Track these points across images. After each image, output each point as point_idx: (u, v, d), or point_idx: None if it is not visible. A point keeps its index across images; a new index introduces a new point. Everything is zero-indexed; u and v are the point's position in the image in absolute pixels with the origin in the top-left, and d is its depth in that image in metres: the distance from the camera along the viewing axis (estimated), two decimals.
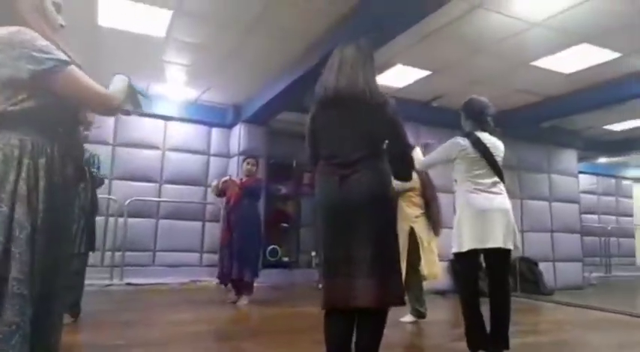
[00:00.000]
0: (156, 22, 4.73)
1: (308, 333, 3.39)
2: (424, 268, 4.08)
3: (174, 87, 6.73)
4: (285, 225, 8.22)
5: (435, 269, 4.12)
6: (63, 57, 1.48)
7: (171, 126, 7.49)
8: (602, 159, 10.51)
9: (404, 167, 2.34)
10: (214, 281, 5.12)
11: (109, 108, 1.65)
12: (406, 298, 4.19)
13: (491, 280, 2.98)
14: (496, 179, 2.96)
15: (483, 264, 3.08)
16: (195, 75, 6.25)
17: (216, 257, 5.80)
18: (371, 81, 2.16)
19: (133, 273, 6.50)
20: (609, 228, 10.82)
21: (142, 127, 7.17)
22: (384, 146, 2.21)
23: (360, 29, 4.22)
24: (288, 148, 7.82)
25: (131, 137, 7.14)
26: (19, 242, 1.40)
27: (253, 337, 3.63)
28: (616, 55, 5.18)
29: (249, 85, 6.55)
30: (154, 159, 7.32)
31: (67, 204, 1.59)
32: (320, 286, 2.12)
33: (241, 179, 5.21)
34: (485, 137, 3.00)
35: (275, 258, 7.64)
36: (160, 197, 7.26)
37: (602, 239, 10.48)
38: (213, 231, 7.13)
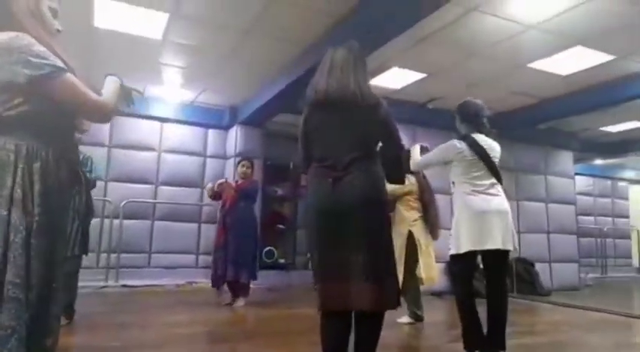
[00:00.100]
0: (152, 25, 4.72)
1: (304, 335, 3.38)
2: (422, 272, 4.08)
3: (171, 89, 6.73)
4: (281, 226, 8.20)
5: (432, 273, 4.12)
6: (60, 63, 1.49)
7: (168, 128, 7.47)
8: (599, 161, 10.55)
9: (397, 169, 2.33)
10: (209, 283, 5.09)
11: (102, 115, 1.65)
12: (402, 299, 4.22)
13: (489, 281, 2.98)
14: (494, 180, 2.96)
15: (481, 265, 3.09)
16: (191, 77, 6.25)
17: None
18: (362, 83, 2.15)
19: (128, 275, 6.48)
20: (605, 230, 10.87)
21: (138, 129, 7.16)
22: (377, 148, 2.21)
23: (357, 31, 4.23)
24: (284, 150, 7.80)
25: (127, 139, 7.12)
26: (15, 246, 1.40)
27: (249, 339, 3.62)
28: (611, 57, 5.21)
29: (245, 87, 6.55)
30: (150, 161, 7.30)
31: (63, 207, 1.59)
32: (316, 288, 2.11)
33: (237, 181, 5.19)
34: (481, 139, 3.01)
35: (271, 259, 7.62)
36: (155, 198, 7.24)
37: (598, 240, 10.53)
38: (209, 233, 7.11)
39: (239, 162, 5.31)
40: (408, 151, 4.38)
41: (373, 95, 2.17)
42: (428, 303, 4.47)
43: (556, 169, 8.43)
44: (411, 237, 4.13)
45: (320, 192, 2.12)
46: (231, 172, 6.64)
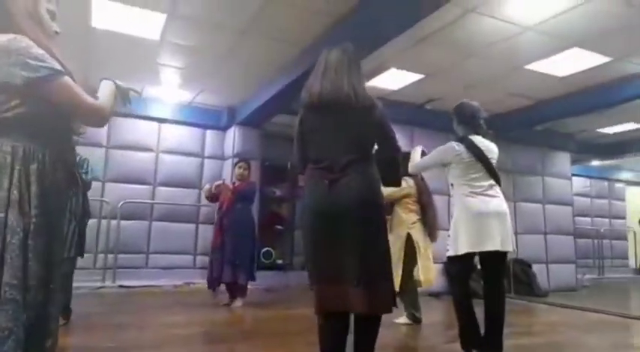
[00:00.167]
0: (150, 25, 4.72)
1: (302, 335, 3.39)
2: (420, 274, 4.09)
3: (169, 89, 6.72)
4: (279, 227, 8.20)
5: (430, 276, 4.13)
6: (57, 66, 1.49)
7: (166, 129, 7.47)
8: (595, 162, 10.58)
9: (392, 171, 2.33)
10: (206, 284, 5.08)
11: (98, 118, 1.65)
12: (399, 301, 4.22)
13: (486, 282, 2.99)
14: (492, 182, 2.97)
15: (478, 266, 3.10)
16: (189, 77, 6.25)
17: None
18: (356, 84, 2.14)
19: (125, 276, 6.46)
20: (602, 231, 10.89)
21: (135, 129, 7.15)
22: (373, 150, 2.21)
23: (356, 31, 4.24)
24: (282, 151, 7.78)
25: (125, 139, 7.11)
26: (12, 247, 1.40)
27: (247, 339, 3.62)
28: (607, 59, 5.23)
29: (243, 88, 6.55)
30: (148, 162, 7.29)
31: (60, 208, 1.59)
32: (312, 288, 2.12)
33: (234, 183, 5.19)
34: (479, 140, 3.02)
35: (269, 260, 7.61)
36: (153, 199, 7.23)
37: (595, 241, 10.54)
38: (207, 234, 7.09)
39: (236, 164, 5.31)
40: (407, 153, 4.40)
41: (368, 97, 2.17)
42: (425, 304, 4.47)
43: (553, 170, 8.46)
44: (409, 239, 4.14)
45: (316, 193, 2.11)
46: (229, 173, 6.63)
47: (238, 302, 4.92)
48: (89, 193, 3.87)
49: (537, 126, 7.75)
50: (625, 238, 11.61)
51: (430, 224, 4.24)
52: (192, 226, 7.44)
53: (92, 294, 5.76)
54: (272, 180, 7.94)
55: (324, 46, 4.73)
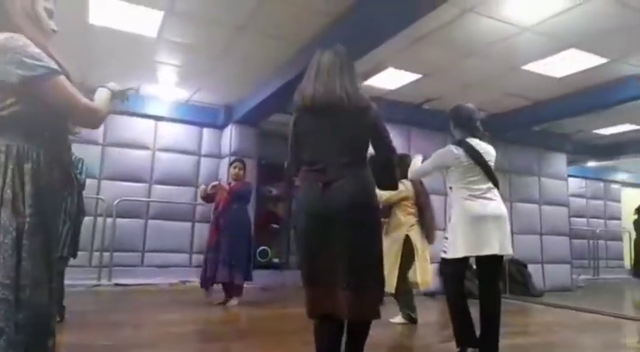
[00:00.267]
0: (147, 23, 4.70)
1: (298, 334, 3.38)
2: (418, 276, 4.11)
3: (166, 87, 6.70)
4: (275, 226, 8.20)
5: (427, 278, 4.15)
6: (53, 65, 1.48)
7: (162, 127, 7.44)
8: (591, 163, 10.61)
9: (388, 174, 2.32)
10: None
11: (93, 120, 1.65)
12: (393, 300, 4.23)
13: (482, 282, 3.00)
14: (490, 185, 2.98)
15: (473, 266, 3.10)
16: (186, 75, 6.23)
17: None
18: (349, 86, 2.13)
19: (121, 274, 6.44)
20: (598, 231, 10.93)
21: (132, 127, 7.13)
22: (368, 153, 2.20)
23: (353, 30, 4.23)
24: (279, 149, 7.70)
25: (121, 137, 7.09)
26: (5, 247, 1.40)
27: (242, 338, 3.62)
28: (604, 60, 5.24)
29: (240, 86, 6.53)
30: (144, 160, 7.27)
31: (55, 208, 1.59)
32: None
33: (230, 183, 5.18)
34: (476, 143, 3.02)
35: (265, 259, 7.61)
36: (149, 197, 7.21)
37: (591, 242, 10.58)
38: (203, 232, 7.08)
39: (231, 164, 5.31)
40: (403, 155, 4.43)
41: (362, 98, 2.15)
42: (420, 304, 4.48)
43: (549, 171, 8.48)
44: (408, 241, 4.15)
45: (310, 196, 2.11)
46: (225, 171, 6.62)
47: (234, 301, 4.91)
48: (84, 191, 3.86)
49: (534, 126, 7.76)
50: (620, 239, 11.65)
51: (428, 226, 4.26)
52: (188, 224, 7.43)
53: (88, 292, 5.74)
54: (268, 179, 7.93)
55: (321, 45, 4.71)
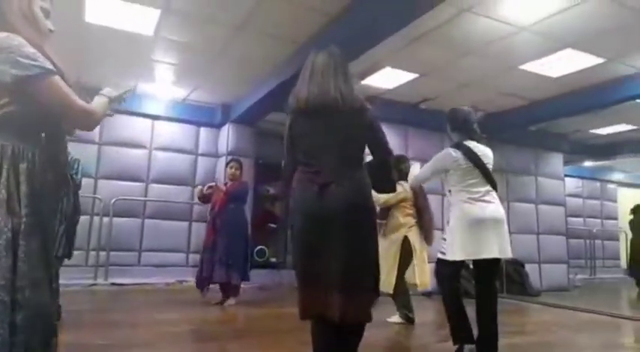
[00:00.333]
0: (144, 21, 4.68)
1: (294, 334, 3.37)
2: (416, 277, 4.12)
3: (163, 86, 6.68)
4: (272, 225, 8.19)
5: (426, 279, 4.15)
6: (48, 65, 1.47)
7: (159, 126, 7.42)
8: (588, 163, 10.64)
9: (385, 175, 2.32)
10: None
11: (88, 122, 1.63)
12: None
13: (479, 282, 3.01)
14: (489, 187, 2.98)
15: (470, 265, 3.10)
16: (183, 74, 6.21)
17: None
18: (343, 87, 2.13)
19: (117, 273, 6.43)
20: (594, 231, 10.96)
21: (129, 126, 7.10)
22: (364, 155, 2.20)
23: (351, 30, 4.23)
24: (276, 148, 7.69)
25: (118, 136, 7.06)
26: None
27: (240, 338, 3.61)
28: (600, 60, 5.26)
29: (238, 85, 6.52)
30: (141, 159, 7.25)
31: (51, 208, 1.58)
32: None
33: (226, 183, 5.17)
34: (474, 146, 3.03)
35: (263, 258, 7.61)
36: (146, 196, 7.19)
37: (587, 241, 10.61)
38: (200, 232, 7.07)
39: (227, 164, 5.30)
40: (400, 156, 4.44)
41: (357, 99, 2.15)
42: (418, 304, 4.48)
43: (546, 171, 8.49)
44: (406, 241, 4.16)
45: (306, 197, 2.10)
46: (222, 170, 6.60)
47: (231, 301, 4.90)
48: (80, 191, 3.84)
49: (531, 126, 7.78)
50: (617, 239, 11.69)
51: (426, 227, 4.27)
52: (185, 224, 7.41)
53: (84, 292, 5.72)
54: (266, 178, 7.93)
55: (318, 44, 4.71)
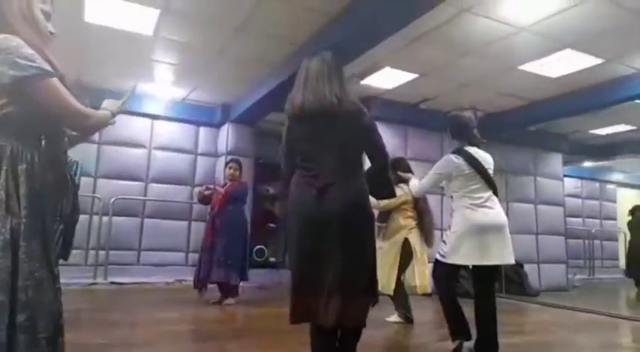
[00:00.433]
0: (143, 21, 4.68)
1: (294, 334, 3.36)
2: (416, 279, 4.13)
3: (162, 86, 6.68)
4: (272, 225, 8.20)
5: (425, 281, 4.15)
6: (47, 67, 1.47)
7: (159, 125, 7.43)
8: (587, 163, 10.65)
9: (384, 180, 2.32)
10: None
11: (83, 125, 1.63)
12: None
13: (477, 285, 3.03)
14: (490, 193, 3.00)
15: (470, 266, 3.11)
16: (183, 74, 6.22)
17: None
18: (339, 91, 2.13)
19: (117, 272, 6.42)
20: (593, 231, 10.97)
21: (128, 125, 7.09)
22: (362, 159, 2.21)
23: (350, 30, 4.23)
24: (276, 148, 7.63)
25: (117, 135, 7.05)
26: None
27: (238, 337, 3.61)
28: (599, 60, 5.26)
29: (237, 85, 6.52)
30: (141, 158, 7.25)
31: (50, 209, 1.58)
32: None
33: (225, 184, 5.17)
34: (475, 151, 3.05)
35: (262, 258, 7.61)
36: (145, 196, 7.19)
37: (586, 242, 10.62)
38: (199, 231, 7.03)
39: (226, 164, 5.30)
40: (399, 158, 4.45)
41: (353, 102, 2.16)
42: (417, 304, 4.49)
43: (545, 171, 8.50)
44: (407, 244, 4.16)
45: (304, 201, 2.11)
46: (222, 170, 6.60)
47: (230, 300, 4.91)
48: (79, 190, 3.84)
49: (530, 126, 7.78)
50: (616, 239, 11.69)
51: (427, 229, 4.28)
52: (184, 223, 7.41)
53: (83, 291, 5.72)
54: (265, 178, 7.93)
55: (320, 43, 4.73)
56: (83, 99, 1.60)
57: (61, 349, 1.53)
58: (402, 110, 7.00)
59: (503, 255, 2.89)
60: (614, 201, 12.23)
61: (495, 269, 3.02)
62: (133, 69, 6.00)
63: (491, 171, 3.06)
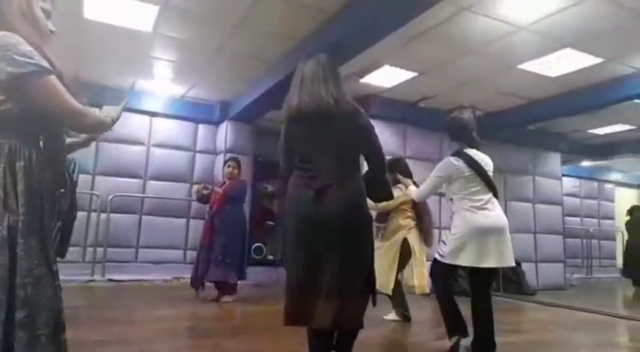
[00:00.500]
0: (142, 17, 4.67)
1: (291, 331, 3.36)
2: (415, 280, 4.14)
3: (161, 83, 6.67)
4: (270, 223, 8.19)
5: (424, 282, 4.14)
6: (45, 64, 1.46)
7: (157, 122, 7.41)
8: (586, 163, 10.66)
9: (380, 183, 2.32)
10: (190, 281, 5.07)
11: (80, 123, 1.61)
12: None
13: (475, 286, 3.04)
14: (491, 195, 3.00)
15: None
16: (182, 71, 6.20)
17: None
18: (335, 92, 2.14)
19: (115, 269, 6.42)
20: (591, 231, 10.98)
21: (126, 123, 7.06)
22: (359, 160, 2.21)
23: (349, 28, 4.22)
24: (275, 146, 7.66)
25: (116, 132, 6.97)
26: None
27: (236, 335, 3.61)
28: (599, 60, 5.26)
29: (236, 83, 6.51)
30: (139, 155, 7.24)
31: (49, 207, 1.57)
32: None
33: (224, 182, 5.17)
34: (474, 153, 3.05)
35: (260, 256, 7.61)
36: (144, 193, 7.18)
37: (584, 241, 10.64)
38: (198, 228, 7.04)
39: (225, 163, 5.29)
40: (398, 158, 4.45)
41: (350, 103, 2.17)
42: (414, 302, 4.49)
43: (544, 170, 8.51)
44: (405, 243, 4.17)
45: (301, 201, 2.11)
46: (220, 168, 6.60)
47: (228, 298, 4.91)
48: (77, 187, 3.83)
49: (529, 125, 7.79)
50: (613, 239, 11.73)
51: (426, 229, 4.28)
52: (182, 221, 7.40)
53: (81, 288, 5.72)
54: (264, 176, 7.92)
55: (319, 41, 4.72)
56: (81, 98, 1.59)
57: (63, 346, 1.52)
58: (401, 109, 7.00)
59: (503, 257, 2.90)
60: (612, 201, 12.26)
61: (493, 271, 3.02)
62: (132, 66, 5.98)
63: (491, 173, 3.07)
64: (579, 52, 5.07)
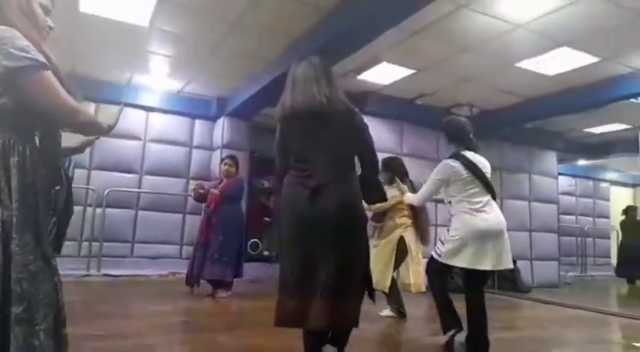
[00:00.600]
0: (139, 11, 4.64)
1: (286, 328, 3.38)
2: (411, 278, 4.15)
3: (158, 78, 6.64)
4: (267, 219, 8.19)
5: (420, 280, 4.15)
6: (41, 59, 1.45)
7: (154, 117, 7.38)
8: (581, 162, 10.71)
9: (374, 184, 2.33)
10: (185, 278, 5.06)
11: (72, 120, 1.59)
12: (385, 296, 4.26)
13: (468, 285, 3.05)
14: (489, 197, 3.01)
15: None
16: (178, 66, 6.17)
17: None
18: (327, 91, 2.14)
19: (110, 264, 6.41)
20: (586, 229, 11.04)
21: (122, 117, 7.03)
22: (354, 160, 2.22)
23: (347, 24, 4.21)
24: (272, 142, 7.65)
25: None
26: None
27: (230, 330, 3.62)
28: (596, 59, 5.28)
29: (232, 79, 6.49)
30: (135, 150, 7.22)
31: (43, 202, 1.56)
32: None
33: (221, 180, 5.15)
34: (472, 155, 3.05)
35: (256, 251, 7.61)
36: (140, 188, 7.16)
37: (579, 239, 10.69)
38: (194, 224, 7.05)
39: (222, 160, 5.27)
40: (394, 158, 4.45)
41: (343, 101, 2.18)
42: (409, 299, 4.50)
43: (540, 168, 8.54)
44: (402, 242, 4.17)
45: (297, 200, 2.12)
46: (217, 163, 6.59)
47: (223, 293, 4.91)
48: (73, 182, 3.83)
49: (526, 124, 7.80)
50: (608, 237, 11.79)
51: (422, 227, 4.28)
52: (179, 216, 7.39)
53: (76, 282, 5.70)
54: (261, 172, 7.91)
55: (316, 38, 4.71)
56: (76, 95, 1.58)
57: (64, 341, 1.53)
58: (398, 106, 6.99)
59: (500, 260, 2.91)
60: (608, 200, 12.32)
61: (488, 274, 3.05)
62: (128, 60, 5.96)
63: (488, 175, 3.07)
64: (576, 50, 5.09)
